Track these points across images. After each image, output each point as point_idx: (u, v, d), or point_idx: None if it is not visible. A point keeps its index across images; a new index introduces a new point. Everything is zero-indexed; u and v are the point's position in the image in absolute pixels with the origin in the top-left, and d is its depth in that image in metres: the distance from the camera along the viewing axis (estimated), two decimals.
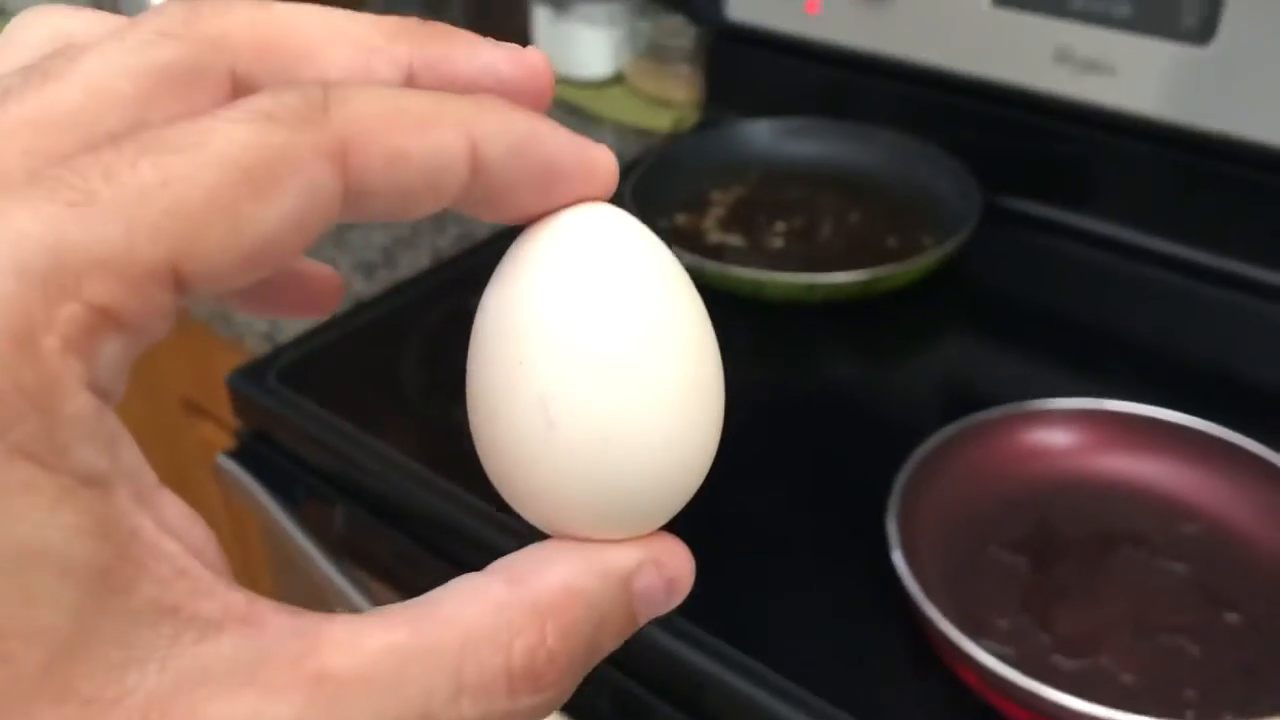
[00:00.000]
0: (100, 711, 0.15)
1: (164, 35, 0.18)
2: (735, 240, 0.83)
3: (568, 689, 0.19)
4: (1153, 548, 0.59)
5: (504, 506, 0.21)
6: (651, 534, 0.21)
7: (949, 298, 0.79)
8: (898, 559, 0.54)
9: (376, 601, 0.67)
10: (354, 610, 0.62)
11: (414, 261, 0.86)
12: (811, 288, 0.75)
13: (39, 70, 0.18)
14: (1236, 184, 0.79)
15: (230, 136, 0.16)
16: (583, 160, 0.20)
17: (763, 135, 0.91)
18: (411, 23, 0.21)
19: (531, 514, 0.21)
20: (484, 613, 0.18)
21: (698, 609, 0.54)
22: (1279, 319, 0.77)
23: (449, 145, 0.18)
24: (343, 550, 0.69)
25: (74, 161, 0.16)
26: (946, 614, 0.51)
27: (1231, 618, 0.55)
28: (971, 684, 0.52)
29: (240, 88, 0.19)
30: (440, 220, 0.90)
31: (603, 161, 0.21)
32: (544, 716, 0.19)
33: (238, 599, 0.17)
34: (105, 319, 0.15)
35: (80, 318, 0.15)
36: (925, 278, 0.77)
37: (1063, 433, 0.62)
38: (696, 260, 0.75)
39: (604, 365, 0.19)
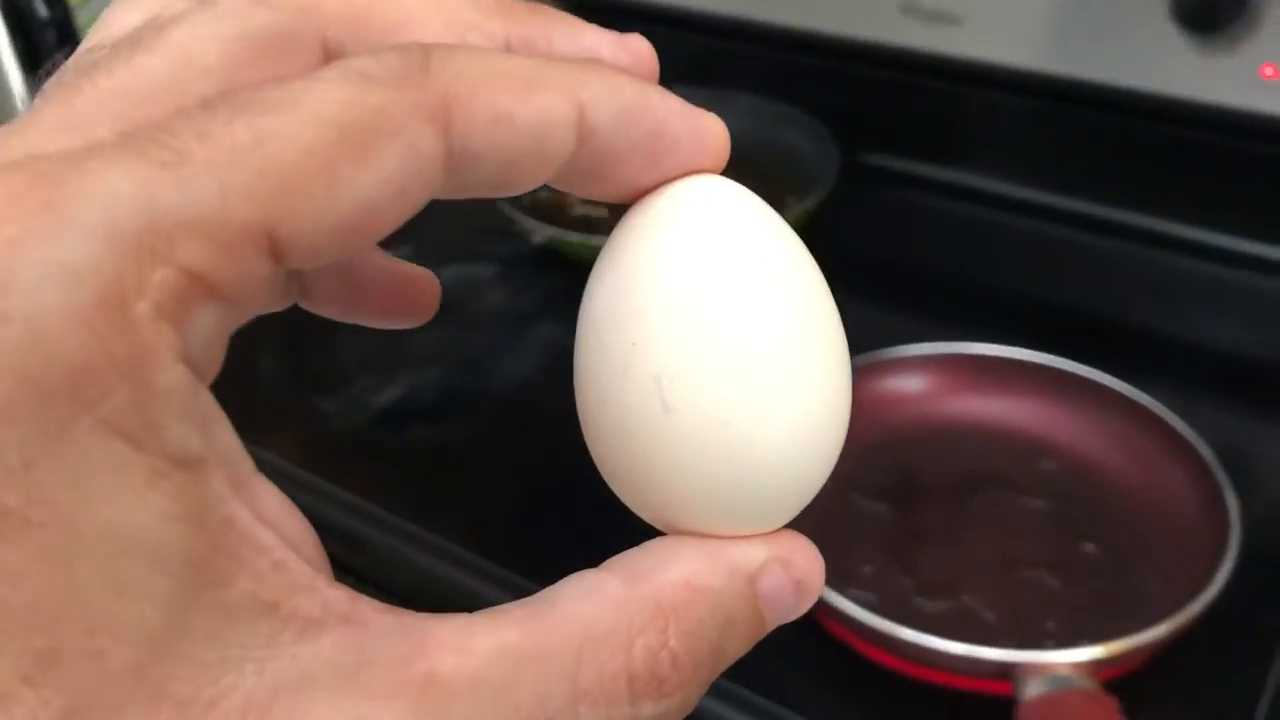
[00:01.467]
0: (196, 715, 0.14)
1: (253, 3, 0.18)
2: (599, 212, 0.82)
3: (693, 696, 0.18)
4: (1013, 486, 0.59)
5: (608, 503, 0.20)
6: (777, 531, 0.19)
7: (813, 256, 0.78)
8: None
9: None
10: None
11: None
12: None
13: (128, 41, 0.17)
14: (1088, 127, 0.80)
15: (328, 96, 0.16)
16: (694, 129, 0.19)
17: None
18: (510, 0, 0.20)
19: (646, 509, 0.19)
20: (602, 612, 0.17)
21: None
22: (1131, 258, 0.78)
23: (555, 108, 0.17)
24: None
25: (166, 123, 0.15)
26: None
27: (1089, 548, 0.56)
28: (838, 633, 0.52)
29: (332, 58, 0.18)
30: None
31: (715, 131, 0.20)
32: None
33: (339, 596, 0.16)
34: (199, 285, 0.14)
35: (174, 283, 0.14)
36: None
37: (919, 378, 0.63)
38: (559, 232, 0.74)
39: (725, 343, 0.18)
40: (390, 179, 0.16)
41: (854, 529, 0.57)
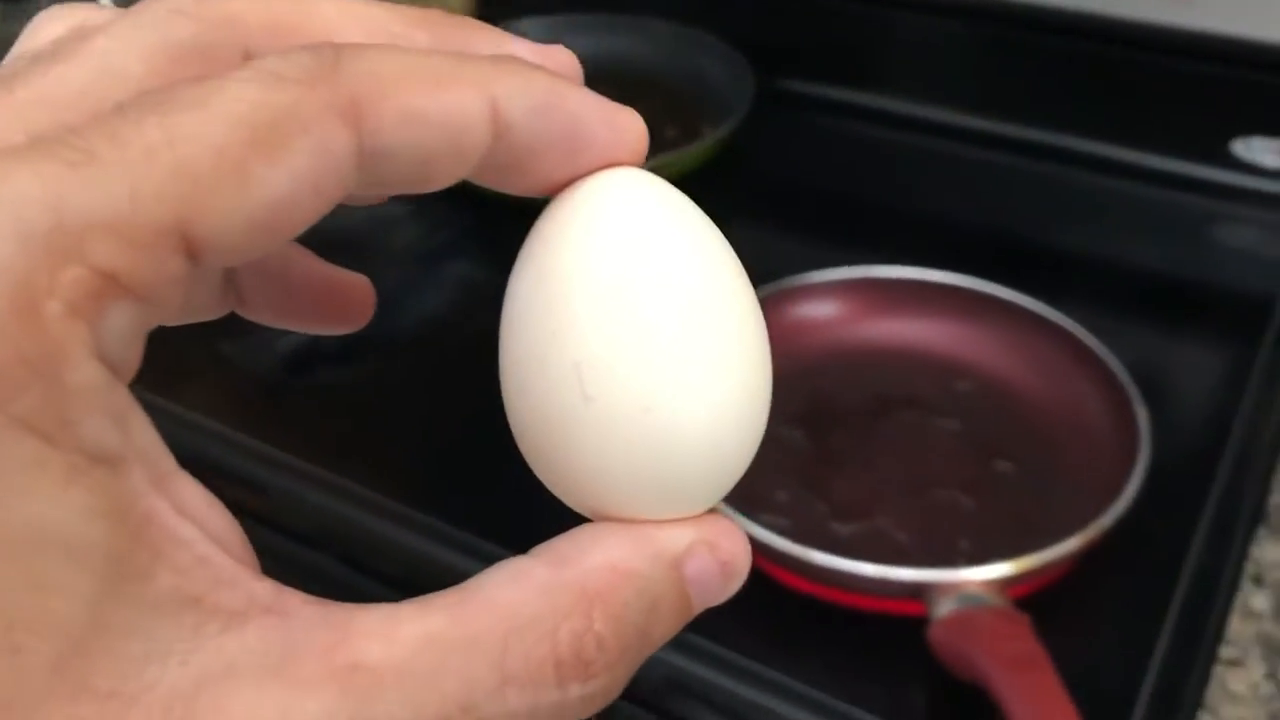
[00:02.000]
0: (119, 708, 0.14)
1: (175, 13, 0.18)
2: None
3: (620, 679, 0.18)
4: (927, 408, 0.59)
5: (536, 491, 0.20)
6: (702, 514, 0.20)
7: (728, 184, 0.77)
8: None
9: None
10: None
11: None
12: None
13: (48, 52, 0.18)
14: (999, 46, 0.79)
15: (239, 95, 0.16)
16: (610, 122, 0.19)
17: (536, 32, 0.88)
18: (433, 13, 0.20)
19: (571, 496, 0.20)
20: (527, 597, 0.17)
21: (478, 524, 0.53)
22: (1044, 177, 0.78)
23: (468, 104, 0.18)
24: None
25: (77, 126, 0.15)
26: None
27: (1003, 466, 0.56)
28: (754, 560, 0.51)
29: None
30: None
31: (632, 125, 0.20)
32: (596, 709, 0.18)
33: (263, 589, 0.16)
34: (111, 283, 0.14)
35: (84, 281, 0.14)
36: (704, 165, 0.76)
37: (832, 304, 0.62)
38: None
39: (643, 329, 0.18)
40: (302, 176, 0.16)
41: (768, 456, 0.56)
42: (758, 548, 0.49)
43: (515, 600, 0.17)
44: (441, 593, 0.17)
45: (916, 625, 0.47)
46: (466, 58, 0.18)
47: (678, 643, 0.50)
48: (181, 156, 0.15)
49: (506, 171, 0.19)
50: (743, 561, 0.20)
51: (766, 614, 0.51)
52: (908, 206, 0.77)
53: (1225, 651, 0.47)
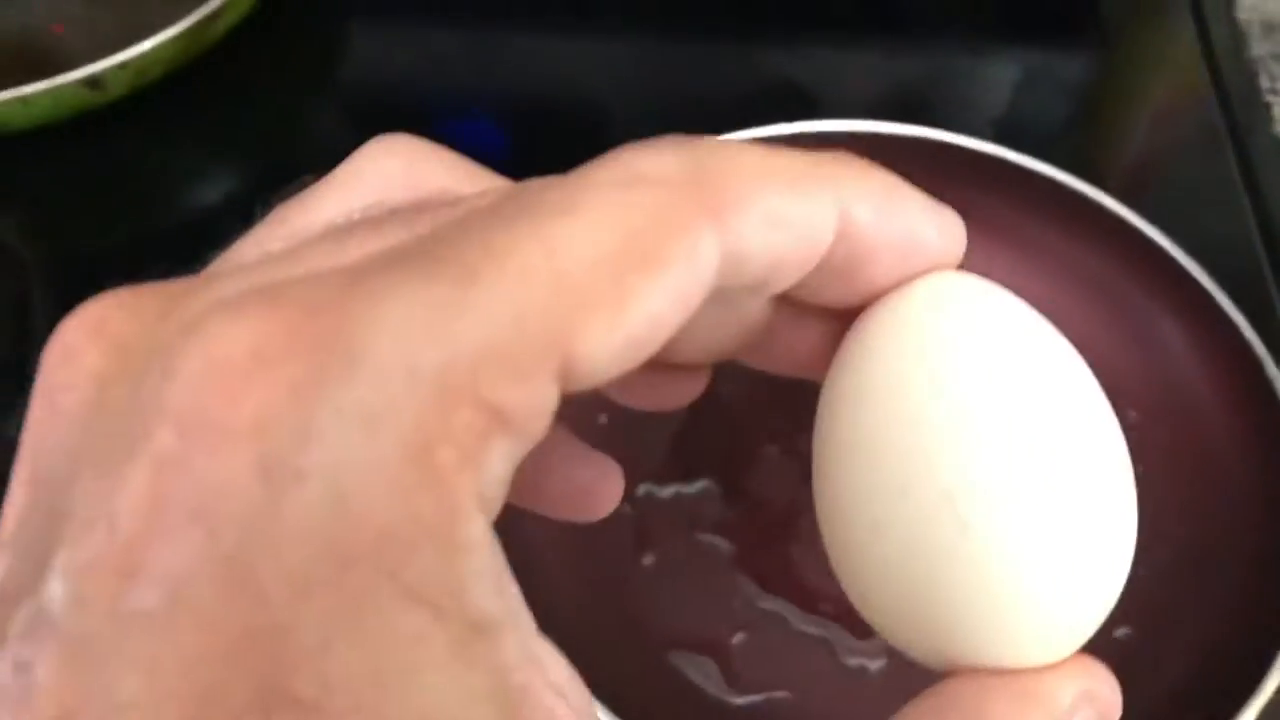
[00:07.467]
0: None
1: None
2: None
3: None
4: None
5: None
6: (1073, 658, 0.18)
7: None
8: None
9: None
10: None
11: None
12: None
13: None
14: None
15: (609, 198, 0.15)
16: (941, 225, 0.19)
17: None
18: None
19: (924, 645, 0.18)
20: None
21: None
22: None
23: (822, 206, 0.17)
24: None
25: (442, 232, 0.15)
26: None
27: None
28: None
29: None
30: None
31: (956, 227, 0.19)
32: None
33: None
34: (499, 422, 0.13)
35: (476, 422, 0.13)
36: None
37: None
38: None
39: (1021, 453, 0.17)
40: (676, 285, 0.15)
41: None
42: None
43: None
44: None
45: None
46: (818, 156, 0.18)
47: None
48: (561, 270, 0.14)
49: (837, 275, 0.18)
50: (1116, 710, 0.18)
51: None
52: None
53: None
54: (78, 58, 0.50)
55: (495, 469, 0.13)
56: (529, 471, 0.20)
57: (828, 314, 0.19)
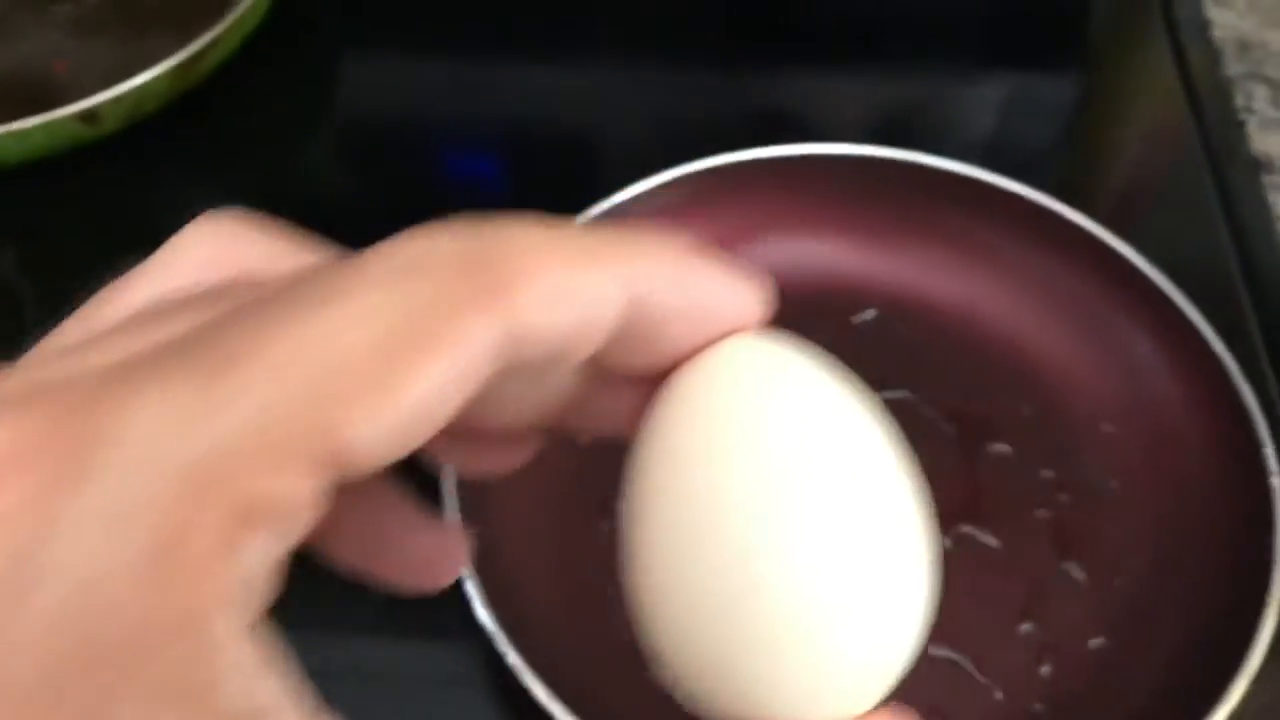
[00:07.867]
0: None
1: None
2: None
3: None
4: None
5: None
6: (876, 710, 0.19)
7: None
8: None
9: None
10: None
11: None
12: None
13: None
14: None
15: (381, 285, 0.15)
16: (737, 292, 0.19)
17: None
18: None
19: (721, 703, 0.18)
20: None
21: None
22: None
23: (608, 281, 0.17)
24: None
25: (202, 331, 0.15)
26: None
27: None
28: None
29: None
30: None
31: (754, 290, 0.19)
32: None
33: None
34: (257, 512, 0.13)
35: (231, 514, 0.13)
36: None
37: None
38: None
39: (813, 513, 0.17)
40: (449, 367, 0.15)
41: None
42: None
43: None
44: None
45: None
46: (599, 232, 0.18)
47: None
48: (324, 360, 0.14)
49: (627, 348, 0.18)
50: None
51: None
52: None
53: None
54: (73, 92, 0.51)
55: (252, 561, 0.13)
56: (367, 541, 0.21)
57: (640, 379, 0.19)
